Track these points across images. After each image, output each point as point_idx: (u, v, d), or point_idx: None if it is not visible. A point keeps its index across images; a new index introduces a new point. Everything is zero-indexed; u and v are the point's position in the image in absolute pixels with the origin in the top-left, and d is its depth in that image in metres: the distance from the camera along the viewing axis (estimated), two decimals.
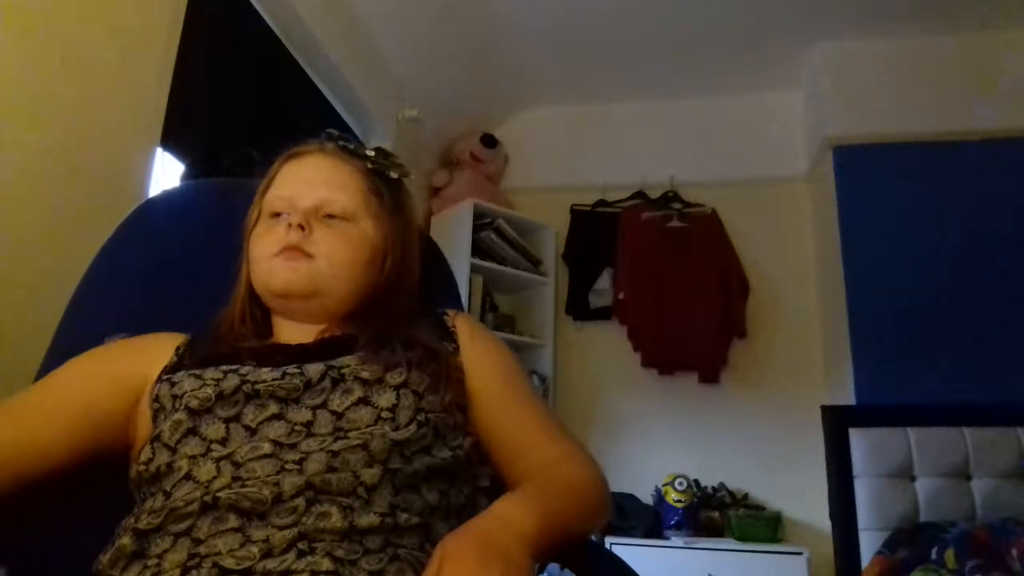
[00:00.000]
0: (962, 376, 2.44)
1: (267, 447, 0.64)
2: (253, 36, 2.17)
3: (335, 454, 0.64)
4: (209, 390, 0.69)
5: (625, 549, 2.52)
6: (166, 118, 1.59)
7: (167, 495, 0.63)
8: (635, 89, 3.37)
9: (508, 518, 0.62)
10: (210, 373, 0.72)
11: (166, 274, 0.93)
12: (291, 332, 0.83)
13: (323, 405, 0.69)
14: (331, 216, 0.82)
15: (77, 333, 0.82)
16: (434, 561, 0.55)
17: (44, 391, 0.75)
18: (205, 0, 1.77)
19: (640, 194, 3.26)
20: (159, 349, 0.79)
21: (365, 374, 0.71)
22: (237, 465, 0.63)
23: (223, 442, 0.65)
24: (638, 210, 3.19)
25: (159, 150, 1.60)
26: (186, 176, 1.83)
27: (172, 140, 1.68)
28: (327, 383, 0.71)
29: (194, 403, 0.68)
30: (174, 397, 0.70)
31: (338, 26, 2.42)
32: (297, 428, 0.66)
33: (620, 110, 3.46)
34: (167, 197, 1.03)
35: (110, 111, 1.43)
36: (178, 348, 0.80)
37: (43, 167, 1.28)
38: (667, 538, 2.62)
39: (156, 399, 0.73)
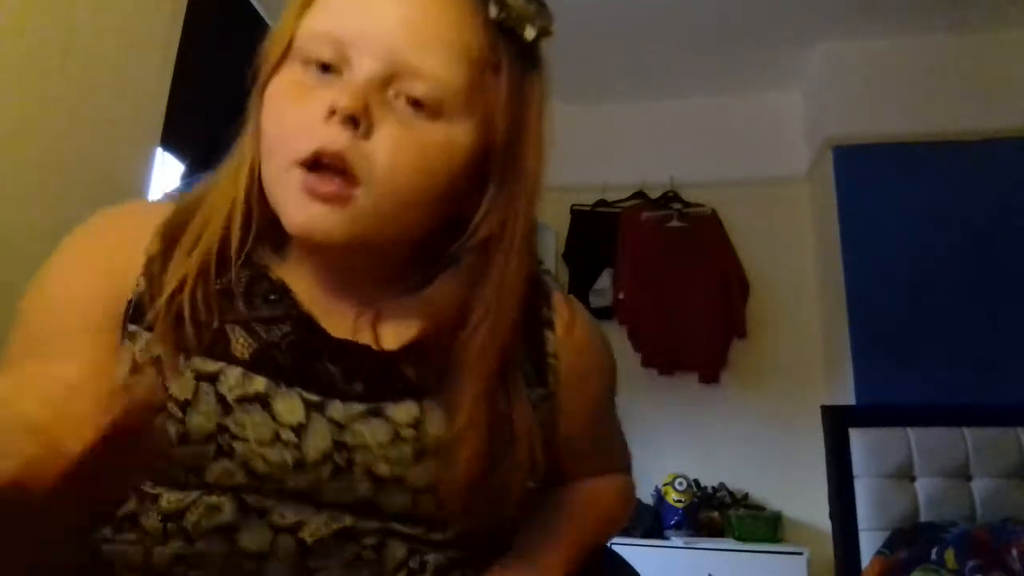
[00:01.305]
0: (962, 376, 2.44)
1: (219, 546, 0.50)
2: (253, 36, 2.17)
3: None
4: (172, 429, 0.49)
5: (625, 549, 2.51)
6: (166, 118, 1.59)
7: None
8: (635, 89, 3.36)
9: (528, 560, 0.60)
10: (174, 388, 0.49)
11: None
12: (312, 277, 0.55)
13: (311, 495, 0.50)
14: (411, 101, 0.48)
15: None
16: None
17: None
18: (205, 0, 1.77)
19: (640, 194, 3.26)
20: (122, 270, 0.55)
21: (383, 469, 0.49)
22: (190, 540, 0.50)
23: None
24: (638, 210, 3.19)
25: (159, 150, 1.60)
26: (186, 176, 1.83)
27: (172, 140, 1.68)
28: (326, 471, 0.49)
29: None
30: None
31: None
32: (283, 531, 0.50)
33: (620, 110, 3.45)
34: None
35: (110, 111, 1.43)
36: (147, 263, 0.55)
37: (43, 167, 1.28)
38: (667, 538, 2.62)
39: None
